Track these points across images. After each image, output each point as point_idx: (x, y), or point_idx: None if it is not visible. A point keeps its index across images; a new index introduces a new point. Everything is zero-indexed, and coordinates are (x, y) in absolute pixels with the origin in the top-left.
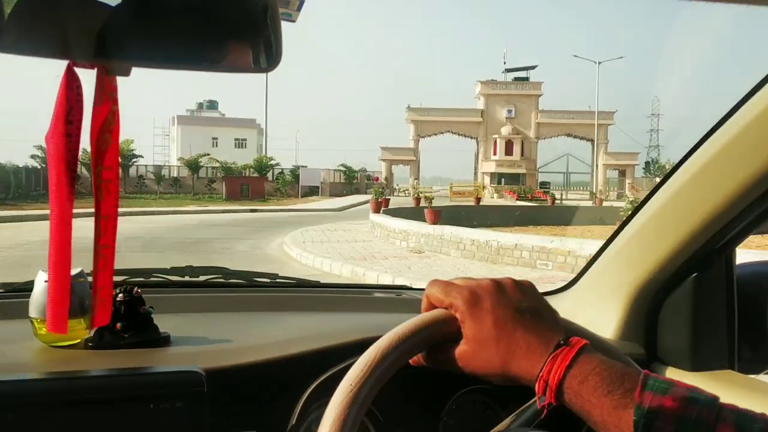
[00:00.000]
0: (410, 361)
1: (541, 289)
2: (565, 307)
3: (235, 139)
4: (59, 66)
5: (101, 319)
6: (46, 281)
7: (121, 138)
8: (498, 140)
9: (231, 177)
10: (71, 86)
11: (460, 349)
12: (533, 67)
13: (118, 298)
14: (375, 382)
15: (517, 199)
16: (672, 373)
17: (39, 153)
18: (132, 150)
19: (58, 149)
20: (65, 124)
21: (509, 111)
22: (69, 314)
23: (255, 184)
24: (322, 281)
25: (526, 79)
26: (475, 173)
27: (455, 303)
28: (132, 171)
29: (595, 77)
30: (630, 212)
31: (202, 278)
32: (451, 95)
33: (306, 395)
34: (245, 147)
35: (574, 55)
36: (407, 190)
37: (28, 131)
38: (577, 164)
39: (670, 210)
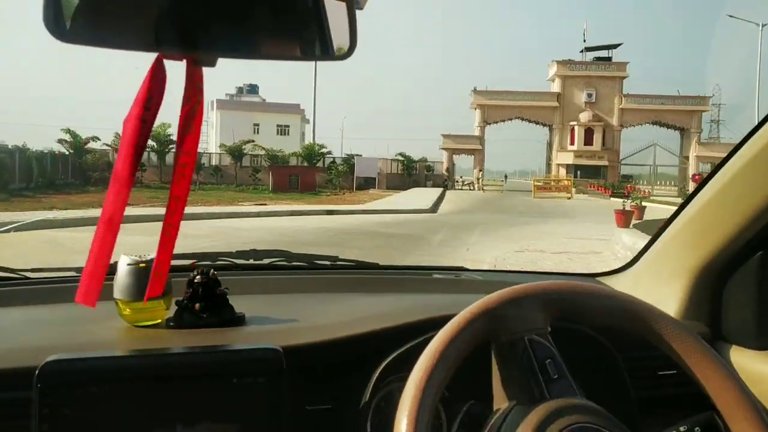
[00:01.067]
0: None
1: (597, 269)
2: (625, 287)
3: (278, 126)
4: (86, 49)
5: (154, 289)
6: (128, 264)
7: (157, 122)
8: (576, 128)
9: (277, 166)
10: (157, 77)
11: None
12: (617, 46)
13: (196, 280)
14: (459, 352)
15: (610, 196)
16: (736, 352)
17: (67, 137)
18: (169, 135)
19: (131, 133)
20: (143, 110)
21: (589, 95)
22: (150, 295)
23: (305, 175)
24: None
25: (609, 59)
26: (548, 165)
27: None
28: (168, 158)
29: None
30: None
31: (266, 261)
32: (521, 79)
33: (379, 371)
34: (288, 134)
35: (730, 15)
36: (471, 182)
37: (54, 115)
38: (665, 155)
39: (733, 189)
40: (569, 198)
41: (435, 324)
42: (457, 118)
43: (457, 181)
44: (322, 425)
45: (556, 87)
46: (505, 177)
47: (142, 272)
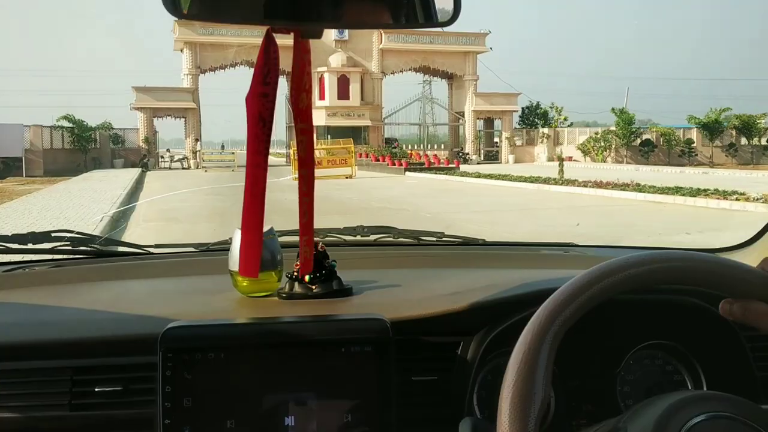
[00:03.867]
0: (721, 310)
1: (716, 244)
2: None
3: None
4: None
5: (306, 267)
6: None
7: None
8: (327, 76)
9: None
10: (269, 50)
11: None
12: None
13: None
14: (568, 318)
15: (406, 169)
16: None
17: None
18: None
19: (255, 108)
20: (262, 85)
21: (340, 32)
22: (262, 267)
23: None
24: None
25: None
26: (289, 130)
27: None
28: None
29: None
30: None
31: (372, 237)
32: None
33: (486, 343)
34: None
35: None
36: (185, 158)
37: None
38: (438, 112)
39: None
40: (350, 177)
41: (543, 296)
42: (157, 65)
43: (162, 157)
44: (428, 396)
45: None
46: (222, 147)
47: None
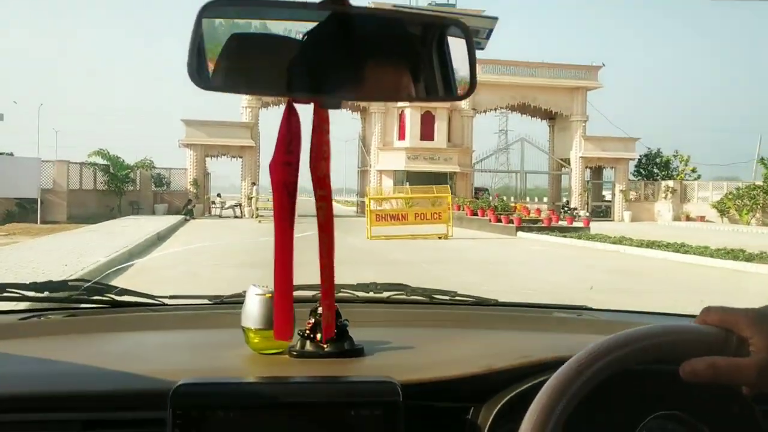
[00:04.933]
0: (682, 372)
1: None
2: None
3: None
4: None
5: (328, 332)
6: (257, 294)
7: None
8: (408, 113)
9: None
10: (290, 120)
11: (755, 360)
12: None
13: (318, 311)
14: (580, 388)
15: (518, 228)
16: None
17: None
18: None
19: (280, 176)
20: (286, 154)
21: None
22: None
23: None
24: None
25: (453, 5)
26: (362, 174)
27: (739, 320)
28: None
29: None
30: None
31: (385, 294)
32: None
33: (497, 410)
34: None
35: None
36: (239, 204)
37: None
38: (535, 157)
39: None
40: (445, 237)
41: (557, 363)
42: (212, 97)
43: (213, 203)
44: None
45: None
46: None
47: (270, 302)
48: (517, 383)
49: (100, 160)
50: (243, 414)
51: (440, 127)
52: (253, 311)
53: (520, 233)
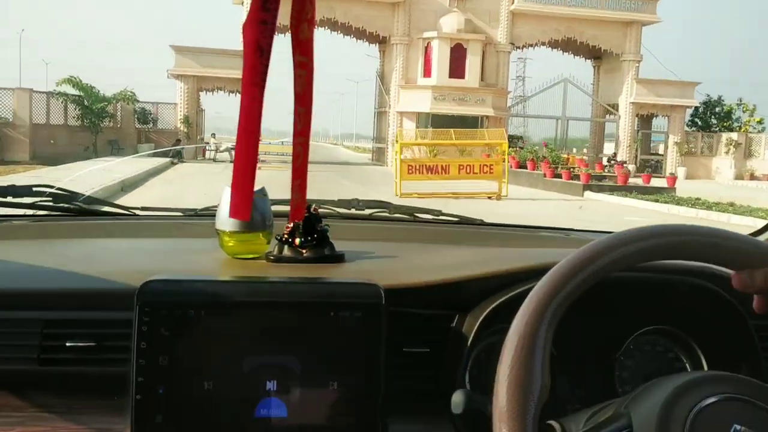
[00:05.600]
0: (736, 282)
1: None
2: None
3: None
4: None
5: (296, 215)
6: None
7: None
8: (436, 44)
9: None
10: None
11: None
12: None
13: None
14: (569, 294)
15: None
16: None
17: None
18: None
19: (253, 35)
20: (262, 11)
21: None
22: (250, 227)
23: None
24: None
25: None
26: (379, 115)
27: None
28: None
29: None
30: None
31: (367, 212)
32: None
33: (482, 318)
34: None
35: None
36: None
37: None
38: (576, 102)
39: None
40: (497, 197)
41: (543, 271)
42: (207, 19)
43: (207, 144)
44: (419, 369)
45: None
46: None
47: None
48: (503, 291)
49: (71, 90)
50: (215, 313)
51: (473, 63)
52: (226, 213)
53: (588, 193)
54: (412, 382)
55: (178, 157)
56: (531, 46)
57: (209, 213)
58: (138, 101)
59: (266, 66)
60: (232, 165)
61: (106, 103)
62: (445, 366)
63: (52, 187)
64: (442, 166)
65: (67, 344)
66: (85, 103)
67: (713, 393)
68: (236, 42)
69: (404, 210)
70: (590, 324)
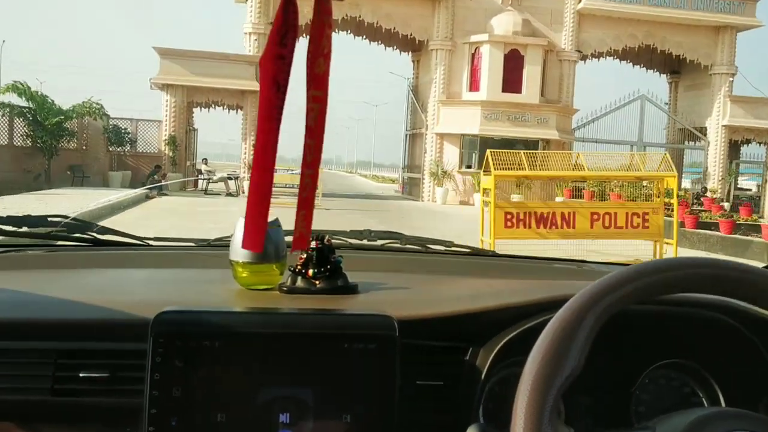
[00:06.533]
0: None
1: None
2: None
3: None
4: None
5: (301, 243)
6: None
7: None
8: (486, 51)
9: None
10: (287, 10)
11: None
12: None
13: (311, 245)
14: (594, 323)
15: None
16: None
17: None
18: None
19: (270, 71)
20: (280, 46)
21: None
22: (264, 258)
23: None
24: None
25: None
26: (409, 139)
27: None
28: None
29: None
30: None
31: (379, 242)
32: None
33: (496, 351)
34: None
35: None
36: (233, 176)
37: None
38: (652, 122)
39: None
40: None
41: (560, 302)
42: (202, 19)
43: (200, 172)
44: (432, 402)
45: None
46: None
47: None
48: (518, 324)
49: (17, 99)
50: (229, 344)
51: (531, 75)
52: (240, 244)
53: None
54: (425, 415)
55: (156, 189)
56: (600, 55)
57: (222, 243)
58: (108, 116)
59: (283, 101)
60: (229, 199)
61: (61, 117)
62: (459, 399)
63: (66, 217)
64: (563, 215)
65: (81, 375)
66: (37, 117)
67: (732, 429)
68: (236, 45)
69: (415, 241)
70: (605, 358)
